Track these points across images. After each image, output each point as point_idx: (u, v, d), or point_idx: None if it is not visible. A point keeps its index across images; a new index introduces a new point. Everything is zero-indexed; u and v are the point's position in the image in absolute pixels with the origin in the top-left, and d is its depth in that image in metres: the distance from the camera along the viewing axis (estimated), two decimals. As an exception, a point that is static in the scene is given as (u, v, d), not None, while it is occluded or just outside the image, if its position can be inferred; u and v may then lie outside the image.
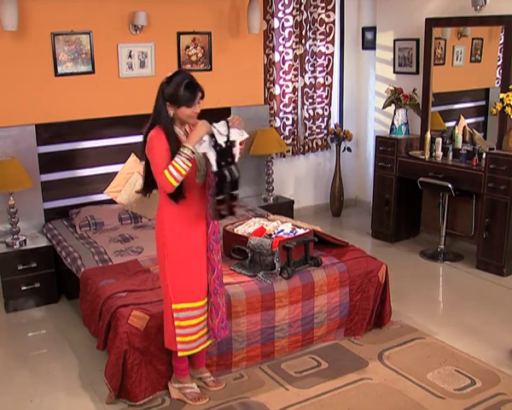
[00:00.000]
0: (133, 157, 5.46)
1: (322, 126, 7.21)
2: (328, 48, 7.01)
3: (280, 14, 6.65)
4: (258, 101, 6.51)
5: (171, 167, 3.18)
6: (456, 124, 6.04)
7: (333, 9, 6.93)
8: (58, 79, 5.36)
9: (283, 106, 6.87)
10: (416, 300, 4.99)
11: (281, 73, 6.79)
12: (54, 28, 5.25)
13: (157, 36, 5.74)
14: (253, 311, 3.92)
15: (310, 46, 6.88)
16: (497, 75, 5.73)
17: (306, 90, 6.94)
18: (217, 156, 3.21)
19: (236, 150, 3.31)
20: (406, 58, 6.49)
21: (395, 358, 4.10)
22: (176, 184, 3.21)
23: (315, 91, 7.01)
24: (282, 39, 6.73)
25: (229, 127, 3.28)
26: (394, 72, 6.66)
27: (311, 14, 6.79)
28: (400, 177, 6.16)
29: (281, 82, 6.82)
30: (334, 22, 6.97)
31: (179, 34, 5.87)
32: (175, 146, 3.25)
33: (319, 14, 6.83)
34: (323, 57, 7.01)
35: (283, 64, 6.78)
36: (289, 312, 4.07)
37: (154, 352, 3.63)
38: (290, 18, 6.69)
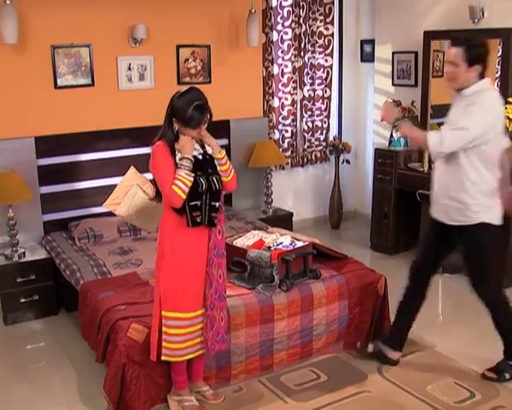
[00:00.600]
0: (132, 169, 5.43)
1: (321, 139, 7.23)
2: (326, 60, 7.04)
3: (279, 27, 6.69)
4: (257, 113, 6.53)
5: (178, 182, 3.24)
6: (455, 136, 6.04)
7: (331, 22, 6.96)
8: (58, 92, 5.37)
9: (282, 118, 6.89)
10: (415, 312, 4.98)
11: (280, 86, 6.82)
12: (54, 41, 5.27)
13: (156, 49, 5.76)
14: (252, 323, 3.92)
15: (309, 59, 6.91)
16: (496, 87, 5.74)
17: (305, 102, 6.96)
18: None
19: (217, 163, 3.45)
20: (405, 71, 6.52)
21: (394, 371, 4.09)
22: (184, 197, 3.26)
23: (314, 104, 7.03)
24: (281, 52, 6.76)
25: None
26: (393, 84, 6.69)
27: (310, 26, 6.81)
28: (399, 189, 6.17)
29: (280, 94, 6.84)
30: (332, 35, 7.00)
31: (178, 47, 5.89)
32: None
33: (318, 27, 6.86)
34: (322, 70, 7.04)
35: (282, 77, 6.80)
36: (288, 324, 4.07)
37: (152, 365, 3.62)
38: (289, 31, 6.72)
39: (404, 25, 6.45)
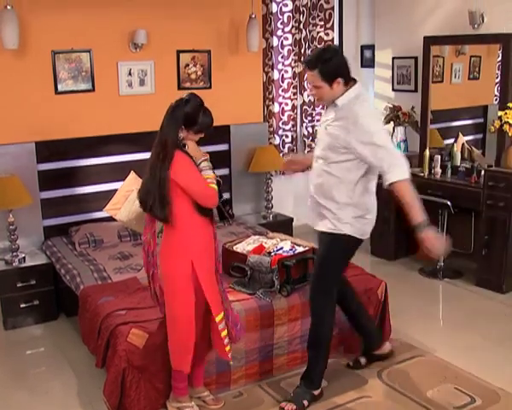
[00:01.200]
0: (133, 175, 5.44)
1: (322, 144, 7.21)
2: (327, 66, 7.03)
3: (279, 33, 6.70)
4: (257, 118, 6.53)
5: (211, 181, 3.38)
6: (455, 141, 6.06)
7: (332, 28, 6.97)
8: (58, 97, 5.38)
9: (282, 123, 6.89)
10: (415, 317, 4.97)
11: (280, 91, 6.82)
12: (54, 46, 5.28)
13: (157, 54, 5.77)
14: (252, 329, 3.92)
15: (309, 64, 6.91)
16: (496, 93, 5.75)
17: (305, 107, 6.96)
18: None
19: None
20: (405, 76, 6.53)
21: (395, 376, 4.08)
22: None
23: (314, 109, 7.03)
24: (281, 57, 6.77)
25: None
26: (393, 89, 6.70)
27: (310, 32, 6.82)
28: (399, 194, 6.15)
29: (280, 100, 6.85)
30: (332, 40, 7.00)
31: (179, 52, 5.90)
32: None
33: (318, 33, 6.86)
34: (322, 75, 7.03)
35: (282, 82, 6.81)
36: (288, 329, 4.06)
37: (152, 370, 3.62)
38: (289, 36, 6.73)
39: (404, 30, 6.47)
